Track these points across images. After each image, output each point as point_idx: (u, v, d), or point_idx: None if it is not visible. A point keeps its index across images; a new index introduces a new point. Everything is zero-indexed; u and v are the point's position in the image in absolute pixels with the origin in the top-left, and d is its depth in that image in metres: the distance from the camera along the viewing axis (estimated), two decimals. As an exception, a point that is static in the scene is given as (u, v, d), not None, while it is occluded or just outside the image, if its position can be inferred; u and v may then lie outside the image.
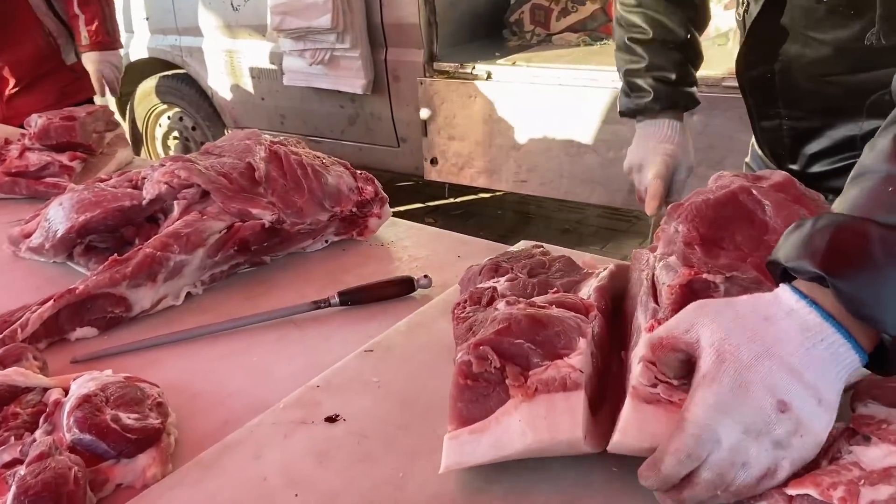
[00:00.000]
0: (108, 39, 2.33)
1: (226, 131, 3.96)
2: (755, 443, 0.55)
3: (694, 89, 1.30)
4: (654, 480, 0.57)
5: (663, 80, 1.26)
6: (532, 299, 0.77)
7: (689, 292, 0.68)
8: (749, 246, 0.72)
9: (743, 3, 1.14)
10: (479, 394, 0.66)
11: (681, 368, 0.61)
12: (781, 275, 0.61)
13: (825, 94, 1.08)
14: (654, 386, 0.62)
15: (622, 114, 1.34)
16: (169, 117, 4.15)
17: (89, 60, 2.33)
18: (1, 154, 1.55)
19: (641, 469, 0.58)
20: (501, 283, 0.84)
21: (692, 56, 1.30)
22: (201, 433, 0.78)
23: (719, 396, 0.55)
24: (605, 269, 0.87)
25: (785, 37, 1.07)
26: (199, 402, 0.84)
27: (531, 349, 0.68)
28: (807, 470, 0.59)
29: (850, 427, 0.63)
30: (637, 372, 0.63)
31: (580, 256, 1.01)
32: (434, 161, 3.30)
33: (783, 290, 0.60)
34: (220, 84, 3.84)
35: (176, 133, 4.16)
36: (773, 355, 0.56)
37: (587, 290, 0.82)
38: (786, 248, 0.59)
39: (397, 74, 3.29)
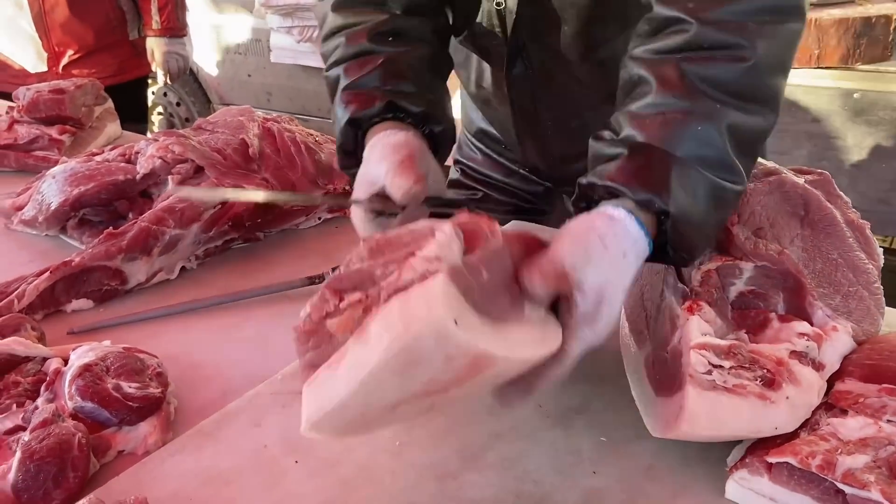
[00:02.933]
0: (177, 25, 2.37)
1: (211, 108, 3.93)
2: None
3: None
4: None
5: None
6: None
7: (717, 276, 0.71)
8: (786, 238, 0.74)
9: None
10: (326, 335, 0.55)
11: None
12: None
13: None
14: (709, 373, 0.63)
15: None
16: (153, 92, 4.10)
17: (156, 46, 2.35)
18: (-11, 126, 1.54)
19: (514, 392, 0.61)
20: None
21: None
22: (200, 403, 0.80)
23: (597, 337, 0.62)
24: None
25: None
26: (197, 373, 0.85)
27: (377, 267, 0.55)
28: (786, 440, 0.62)
29: (829, 402, 0.66)
30: (693, 360, 0.63)
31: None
32: (421, 141, 3.30)
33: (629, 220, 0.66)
34: (205, 60, 3.80)
35: (160, 109, 4.12)
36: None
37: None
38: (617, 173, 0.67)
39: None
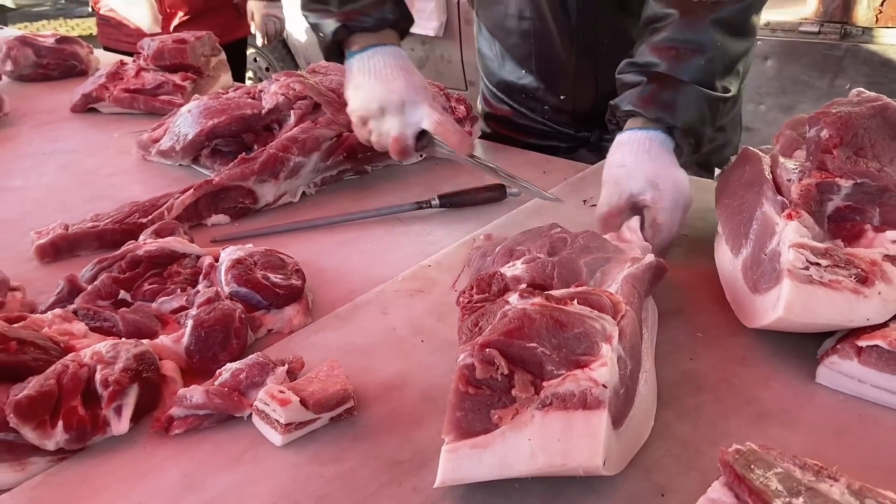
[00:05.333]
0: None
1: (298, 72, 4.07)
2: None
3: None
4: None
5: None
6: (549, 292, 0.67)
7: (817, 191, 0.76)
8: (885, 158, 0.78)
9: None
10: (481, 403, 0.58)
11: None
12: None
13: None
14: (807, 269, 0.68)
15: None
16: (243, 58, 4.28)
17: (256, 9, 2.52)
18: (118, 73, 1.70)
19: None
20: (518, 267, 0.78)
21: None
22: (330, 298, 0.91)
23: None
24: (644, 258, 0.77)
25: None
26: (323, 275, 0.96)
27: (545, 355, 0.59)
28: (875, 328, 0.67)
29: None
30: (791, 256, 0.68)
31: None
32: (502, 104, 3.36)
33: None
34: (295, 25, 3.94)
35: (250, 74, 4.29)
36: None
37: (615, 281, 0.73)
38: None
39: (469, 17, 3.34)
